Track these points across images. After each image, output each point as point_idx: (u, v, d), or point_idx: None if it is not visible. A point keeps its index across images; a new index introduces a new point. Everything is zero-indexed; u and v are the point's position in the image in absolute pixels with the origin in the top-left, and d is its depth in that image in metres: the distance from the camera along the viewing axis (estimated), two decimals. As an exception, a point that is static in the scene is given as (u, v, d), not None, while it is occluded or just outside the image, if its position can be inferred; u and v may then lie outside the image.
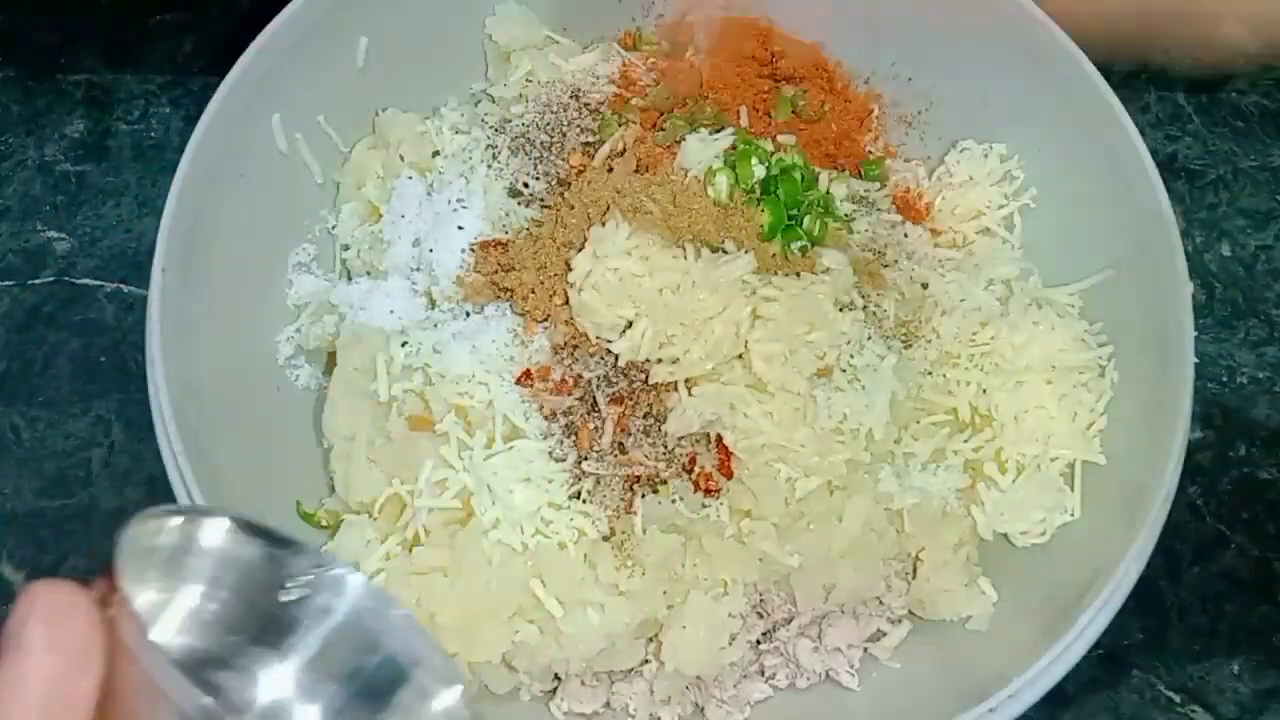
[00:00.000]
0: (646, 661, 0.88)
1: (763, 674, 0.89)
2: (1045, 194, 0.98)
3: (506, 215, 0.93)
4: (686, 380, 0.86)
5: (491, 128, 0.98)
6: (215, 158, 0.89)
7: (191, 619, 0.53)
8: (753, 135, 0.96)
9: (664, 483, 0.86)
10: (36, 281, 1.08)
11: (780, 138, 0.97)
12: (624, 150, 0.93)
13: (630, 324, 0.86)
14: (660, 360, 0.86)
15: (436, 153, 0.97)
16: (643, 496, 0.85)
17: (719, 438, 0.86)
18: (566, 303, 0.88)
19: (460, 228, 0.93)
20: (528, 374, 0.88)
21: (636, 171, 0.92)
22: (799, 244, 0.90)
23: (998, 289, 0.96)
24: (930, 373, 0.92)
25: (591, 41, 1.04)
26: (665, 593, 0.85)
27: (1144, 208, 0.90)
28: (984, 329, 0.93)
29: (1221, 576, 0.99)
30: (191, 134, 0.89)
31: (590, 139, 0.96)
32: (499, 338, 0.89)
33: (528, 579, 0.83)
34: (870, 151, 1.02)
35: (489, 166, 0.95)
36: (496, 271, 0.91)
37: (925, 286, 0.95)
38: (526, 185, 0.94)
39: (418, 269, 0.94)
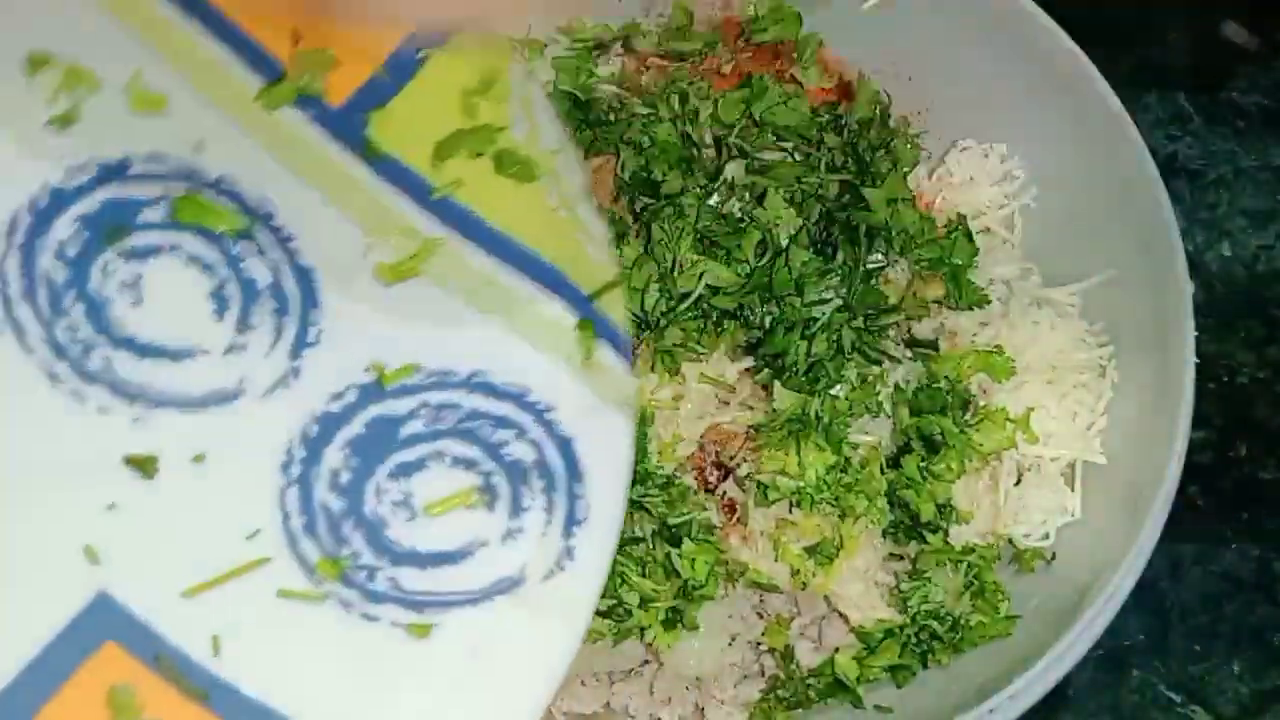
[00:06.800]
0: (646, 662, 0.88)
1: (763, 674, 0.89)
2: (1045, 194, 0.98)
3: (507, 215, 0.93)
4: (686, 380, 0.86)
5: (492, 127, 0.98)
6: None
7: None
8: (753, 135, 0.95)
9: (664, 482, 0.86)
10: (36, 281, 1.07)
11: (780, 137, 0.97)
12: (624, 150, 0.93)
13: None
14: (660, 360, 0.86)
15: (437, 152, 0.97)
16: (643, 496, 0.85)
17: (719, 437, 0.86)
18: (566, 303, 0.88)
19: (460, 227, 0.93)
20: (528, 374, 0.87)
21: (637, 171, 0.91)
22: (799, 244, 0.90)
23: (998, 289, 0.96)
24: (930, 373, 0.92)
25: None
26: (665, 592, 0.85)
27: (1144, 208, 0.90)
28: (984, 329, 0.92)
29: (1221, 576, 0.99)
30: (191, 134, 0.89)
31: (590, 139, 0.96)
32: (499, 337, 0.89)
33: (528, 579, 0.83)
34: (870, 151, 1.02)
35: (489, 166, 0.95)
36: (496, 271, 0.91)
37: (925, 286, 0.95)
38: (527, 185, 0.94)
39: (418, 269, 0.94)
